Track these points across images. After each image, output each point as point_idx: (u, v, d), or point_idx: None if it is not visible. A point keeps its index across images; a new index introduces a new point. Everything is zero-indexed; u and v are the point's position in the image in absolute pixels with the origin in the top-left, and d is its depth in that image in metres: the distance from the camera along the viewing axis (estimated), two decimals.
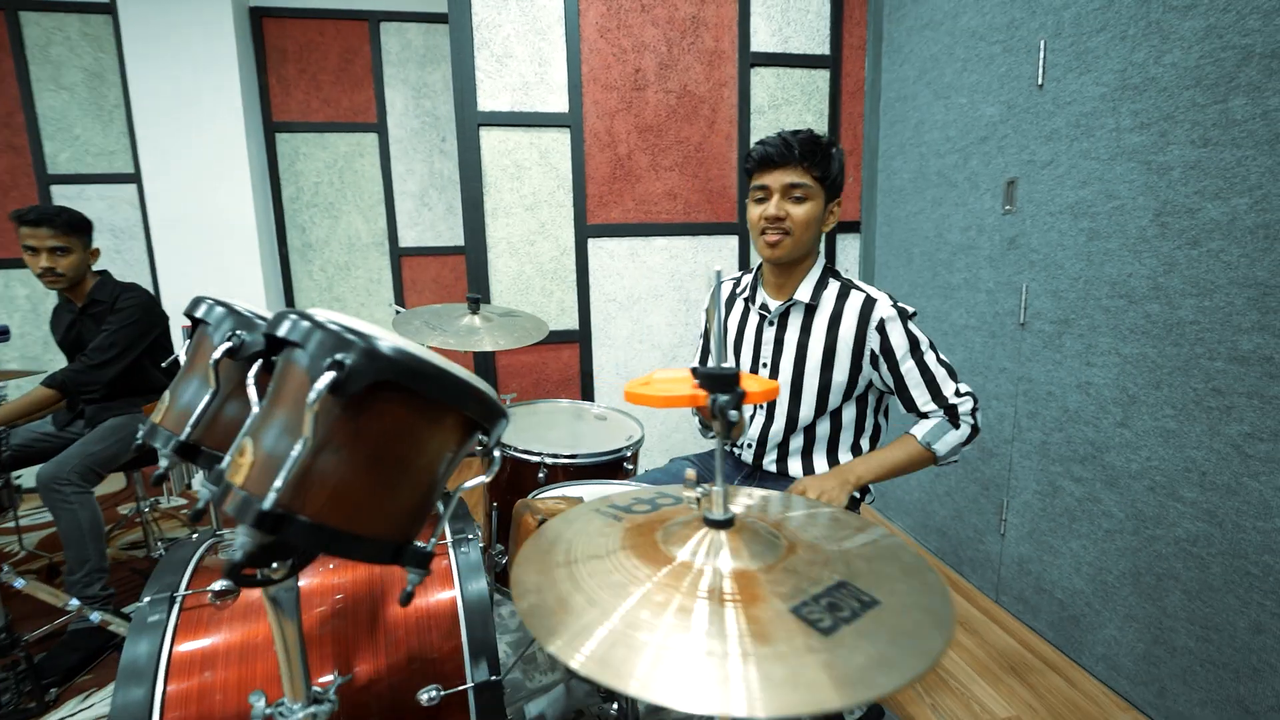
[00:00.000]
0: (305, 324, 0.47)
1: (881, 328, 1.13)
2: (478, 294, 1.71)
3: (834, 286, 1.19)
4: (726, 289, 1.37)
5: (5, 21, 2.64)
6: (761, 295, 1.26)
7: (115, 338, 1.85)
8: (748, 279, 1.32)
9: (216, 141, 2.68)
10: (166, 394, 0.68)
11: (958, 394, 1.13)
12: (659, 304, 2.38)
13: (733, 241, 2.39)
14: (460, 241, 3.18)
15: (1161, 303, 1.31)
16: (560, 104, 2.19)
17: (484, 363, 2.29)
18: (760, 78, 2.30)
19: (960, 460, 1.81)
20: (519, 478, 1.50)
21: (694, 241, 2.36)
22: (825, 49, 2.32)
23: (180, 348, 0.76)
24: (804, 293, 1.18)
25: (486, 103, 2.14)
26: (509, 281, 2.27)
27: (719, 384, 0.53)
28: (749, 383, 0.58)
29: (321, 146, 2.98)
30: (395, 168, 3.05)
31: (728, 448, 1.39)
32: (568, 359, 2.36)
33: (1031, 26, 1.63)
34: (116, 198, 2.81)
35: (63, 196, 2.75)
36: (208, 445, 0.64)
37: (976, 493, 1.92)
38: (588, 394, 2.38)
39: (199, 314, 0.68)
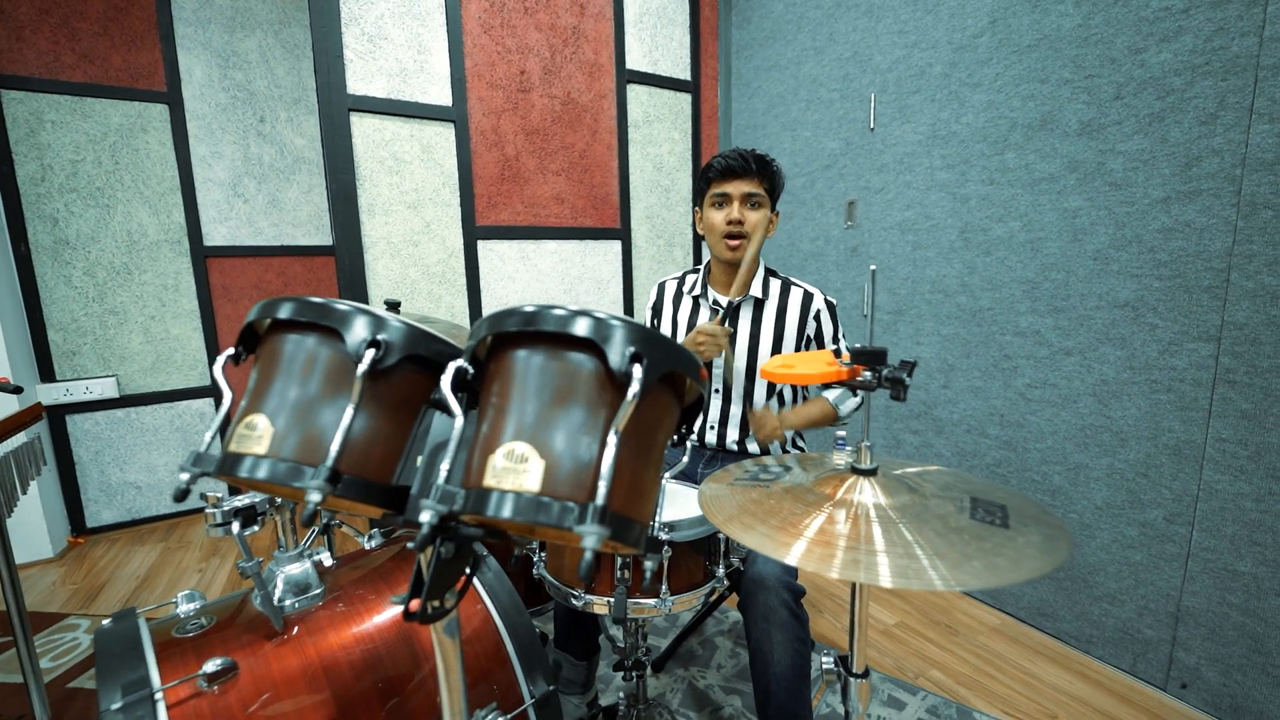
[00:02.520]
0: (597, 319, 0.48)
1: (818, 317, 1.38)
2: (398, 300, 1.55)
3: (776, 283, 1.40)
4: (672, 287, 1.50)
5: None
6: (712, 293, 1.42)
7: None
8: (694, 278, 1.47)
9: None
10: (255, 418, 0.56)
11: None
12: None
13: (616, 246, 2.51)
14: (290, 241, 2.73)
15: (967, 295, 1.81)
16: (443, 96, 2.07)
17: None
18: (635, 94, 2.47)
19: (821, 431, 2.19)
20: None
21: (582, 245, 2.43)
22: (687, 74, 2.59)
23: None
24: (755, 289, 1.37)
25: (358, 86, 1.93)
26: (391, 285, 2.07)
27: (875, 359, 0.65)
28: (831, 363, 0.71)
29: (81, 115, 2.30)
30: (196, 149, 2.50)
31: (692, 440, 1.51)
32: None
33: (863, 81, 2.07)
34: None
35: None
36: (348, 471, 0.56)
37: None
38: None
39: (289, 315, 0.58)
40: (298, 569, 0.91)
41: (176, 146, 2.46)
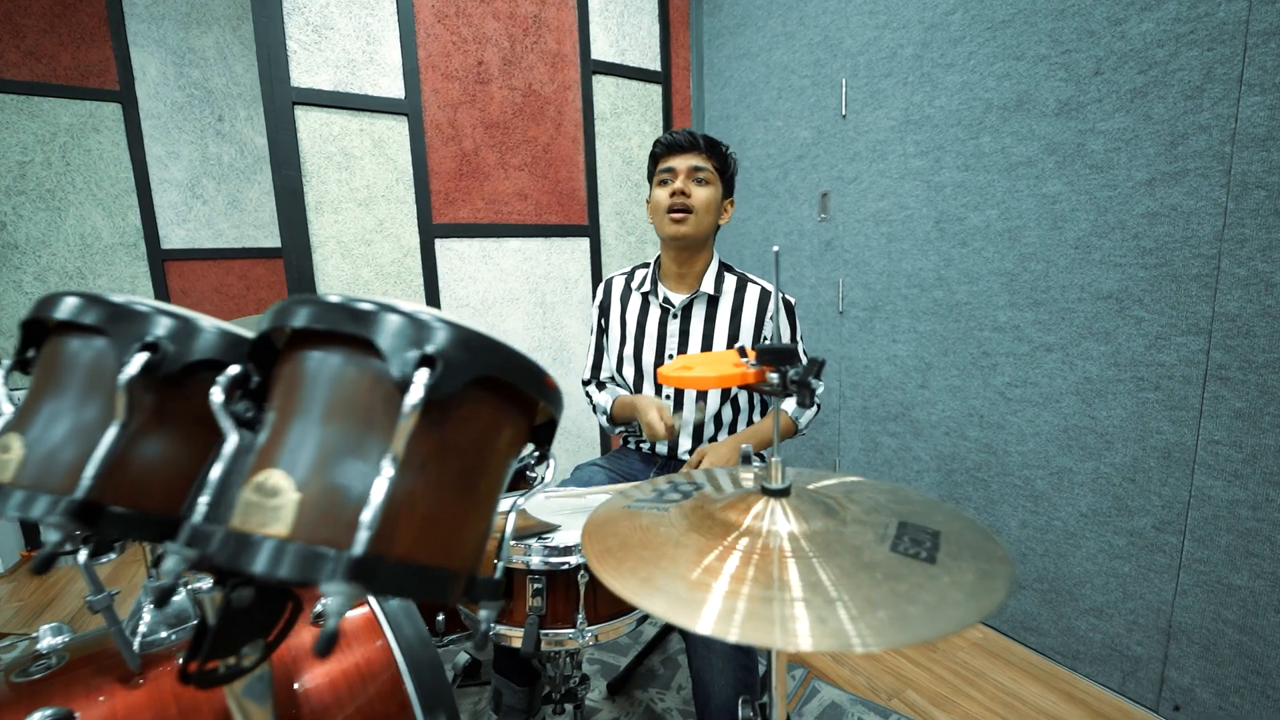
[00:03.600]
0: (365, 307, 0.38)
1: (776, 316, 1.28)
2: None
3: (731, 279, 1.30)
4: (619, 284, 1.40)
5: None
6: (662, 289, 1.32)
7: None
8: (643, 273, 1.37)
9: None
10: (10, 437, 0.47)
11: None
12: (515, 308, 2.29)
13: (584, 244, 2.42)
14: (252, 243, 2.65)
15: (944, 289, 1.70)
16: (395, 89, 1.98)
17: None
18: (602, 85, 2.37)
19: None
20: None
21: (547, 243, 2.34)
22: (657, 65, 2.49)
23: None
24: (707, 285, 1.27)
25: (302, 78, 1.84)
26: (342, 287, 1.98)
27: (782, 358, 0.55)
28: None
29: (28, 114, 2.22)
30: (152, 149, 2.42)
31: (634, 444, 1.41)
32: None
33: (834, 66, 1.97)
34: None
35: None
36: (115, 503, 0.46)
37: (813, 457, 2.24)
38: None
39: (62, 314, 0.49)
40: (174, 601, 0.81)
41: (131, 147, 2.39)
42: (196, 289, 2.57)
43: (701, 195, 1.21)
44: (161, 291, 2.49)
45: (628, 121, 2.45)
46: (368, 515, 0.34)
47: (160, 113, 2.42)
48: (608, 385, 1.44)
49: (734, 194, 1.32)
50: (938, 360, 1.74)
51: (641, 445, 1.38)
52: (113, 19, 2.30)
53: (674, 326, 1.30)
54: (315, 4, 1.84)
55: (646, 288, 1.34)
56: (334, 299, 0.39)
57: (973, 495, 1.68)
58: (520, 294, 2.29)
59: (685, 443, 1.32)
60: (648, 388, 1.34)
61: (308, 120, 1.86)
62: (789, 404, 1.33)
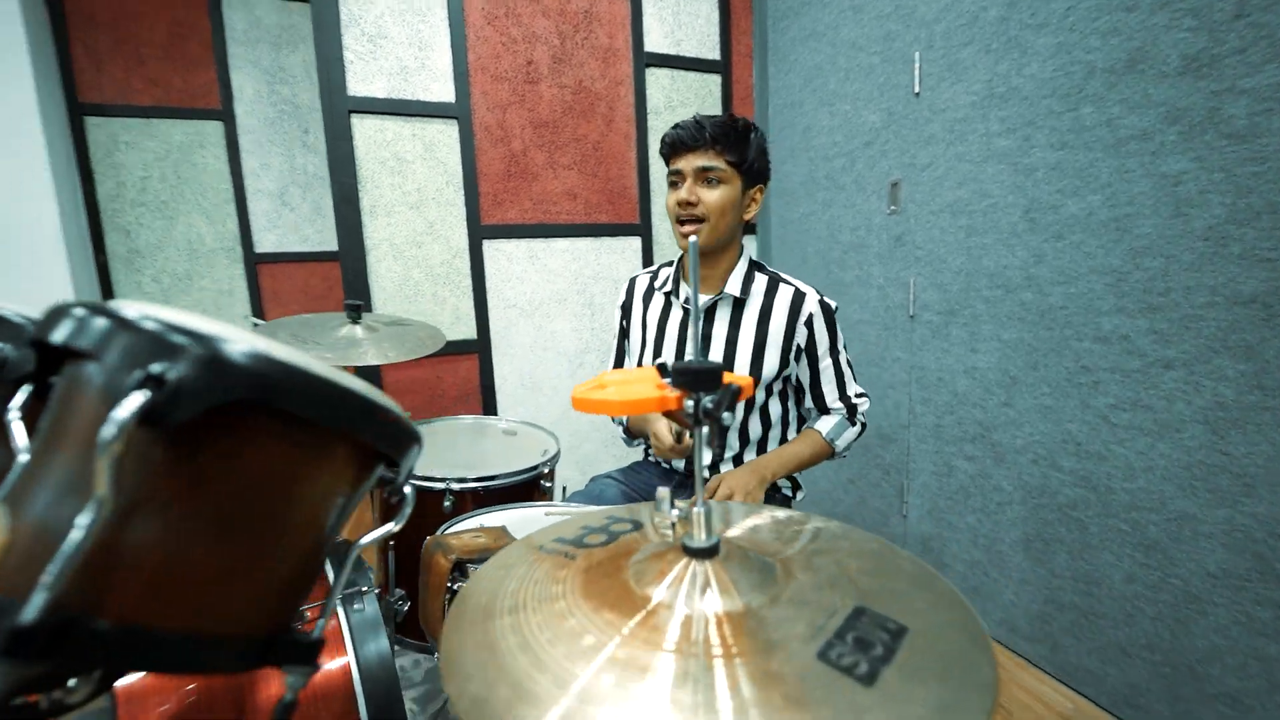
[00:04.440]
0: (101, 321, 0.31)
1: (810, 323, 1.12)
2: (358, 300, 1.49)
3: (761, 280, 1.16)
4: (643, 283, 1.31)
5: None
6: (685, 290, 1.20)
7: None
8: (667, 272, 1.26)
9: (2, 127, 2.15)
10: None
11: (858, 394, 1.18)
12: (563, 308, 2.26)
13: (636, 243, 2.34)
14: (332, 246, 2.83)
15: (1034, 291, 1.44)
16: (445, 93, 2.01)
17: (367, 379, 2.02)
18: (655, 78, 2.28)
19: (857, 450, 1.87)
20: (420, 510, 1.31)
21: (596, 243, 2.28)
22: (716, 54, 2.36)
23: None
24: (733, 286, 1.14)
25: (358, 87, 1.91)
26: (394, 288, 2.04)
27: (701, 381, 0.44)
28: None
29: (148, 135, 2.51)
30: (247, 162, 2.65)
31: (654, 459, 1.31)
32: (466, 371, 2.17)
33: (906, 39, 1.74)
34: None
35: None
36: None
37: (879, 477, 2.01)
38: (490, 408, 2.20)
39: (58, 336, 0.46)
40: None
41: (230, 160, 2.62)
42: (284, 289, 2.78)
43: (713, 199, 1.08)
44: (254, 291, 2.72)
45: (684, 115, 2.34)
46: (51, 571, 0.27)
47: (254, 128, 2.65)
48: None
49: (768, 179, 1.17)
50: (1025, 374, 1.48)
51: (660, 460, 1.28)
52: (216, 44, 2.54)
53: (695, 331, 1.17)
54: (370, 14, 1.90)
55: (669, 288, 1.24)
56: (78, 308, 0.32)
57: (1065, 538, 1.41)
58: (568, 295, 2.26)
59: (704, 457, 1.19)
60: None
61: (363, 127, 1.93)
62: (825, 423, 1.17)
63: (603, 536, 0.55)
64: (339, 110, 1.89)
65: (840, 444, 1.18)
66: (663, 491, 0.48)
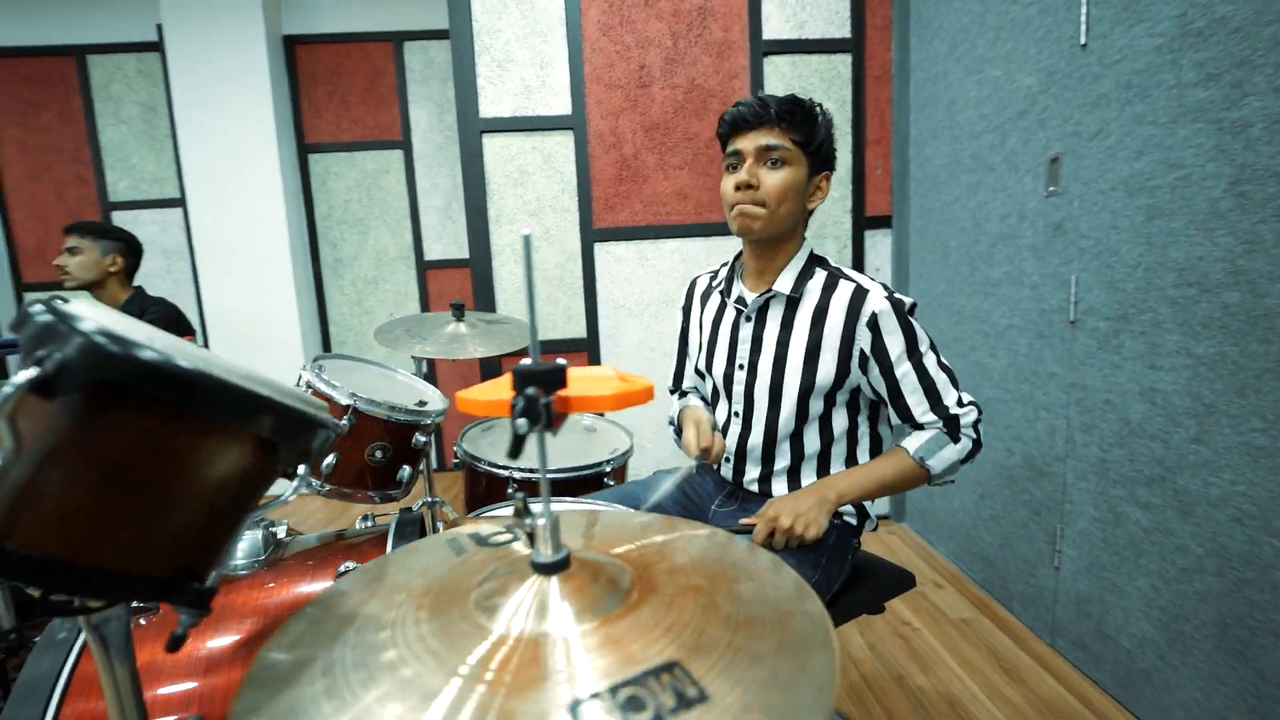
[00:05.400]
0: (28, 319, 0.40)
1: (874, 324, 0.97)
2: (462, 301, 1.65)
3: (820, 276, 1.03)
4: (703, 284, 1.25)
5: (75, 65, 2.89)
6: (738, 288, 1.12)
7: None
8: (726, 270, 1.19)
9: (253, 165, 2.80)
10: None
11: (960, 403, 0.97)
12: (670, 309, 2.25)
13: None
14: None
15: (1243, 290, 1.07)
16: (563, 106, 2.13)
17: (491, 372, 2.24)
18: (774, 67, 2.16)
19: (999, 482, 1.58)
20: (494, 494, 1.41)
21: (707, 243, 2.23)
22: (845, 31, 2.15)
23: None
24: (784, 283, 1.03)
25: (489, 109, 2.11)
26: (514, 290, 2.22)
27: (537, 381, 0.41)
28: (601, 384, 0.46)
29: (350, 165, 3.07)
30: (420, 183, 3.10)
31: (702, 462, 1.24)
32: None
33: None
34: (166, 221, 2.99)
35: (121, 221, 2.96)
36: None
37: (1026, 517, 1.66)
38: None
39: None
40: (246, 537, 1.01)
41: (408, 182, 3.09)
42: (446, 291, 3.19)
43: (774, 181, 0.98)
44: (423, 292, 3.17)
45: None
46: None
47: (426, 153, 3.08)
48: (690, 394, 1.30)
49: (833, 167, 1.04)
50: (1227, 402, 1.11)
51: (717, 465, 1.21)
52: (399, 85, 3.01)
53: (746, 331, 1.09)
54: (500, 41, 2.09)
55: (723, 286, 1.16)
56: (34, 307, 0.41)
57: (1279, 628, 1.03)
58: (676, 295, 2.24)
59: (752, 470, 1.10)
60: (721, 403, 1.16)
61: (492, 145, 2.14)
62: (915, 439, 0.99)
63: (509, 536, 0.53)
64: (472, 131, 2.11)
65: (936, 465, 0.97)
66: (518, 501, 0.46)
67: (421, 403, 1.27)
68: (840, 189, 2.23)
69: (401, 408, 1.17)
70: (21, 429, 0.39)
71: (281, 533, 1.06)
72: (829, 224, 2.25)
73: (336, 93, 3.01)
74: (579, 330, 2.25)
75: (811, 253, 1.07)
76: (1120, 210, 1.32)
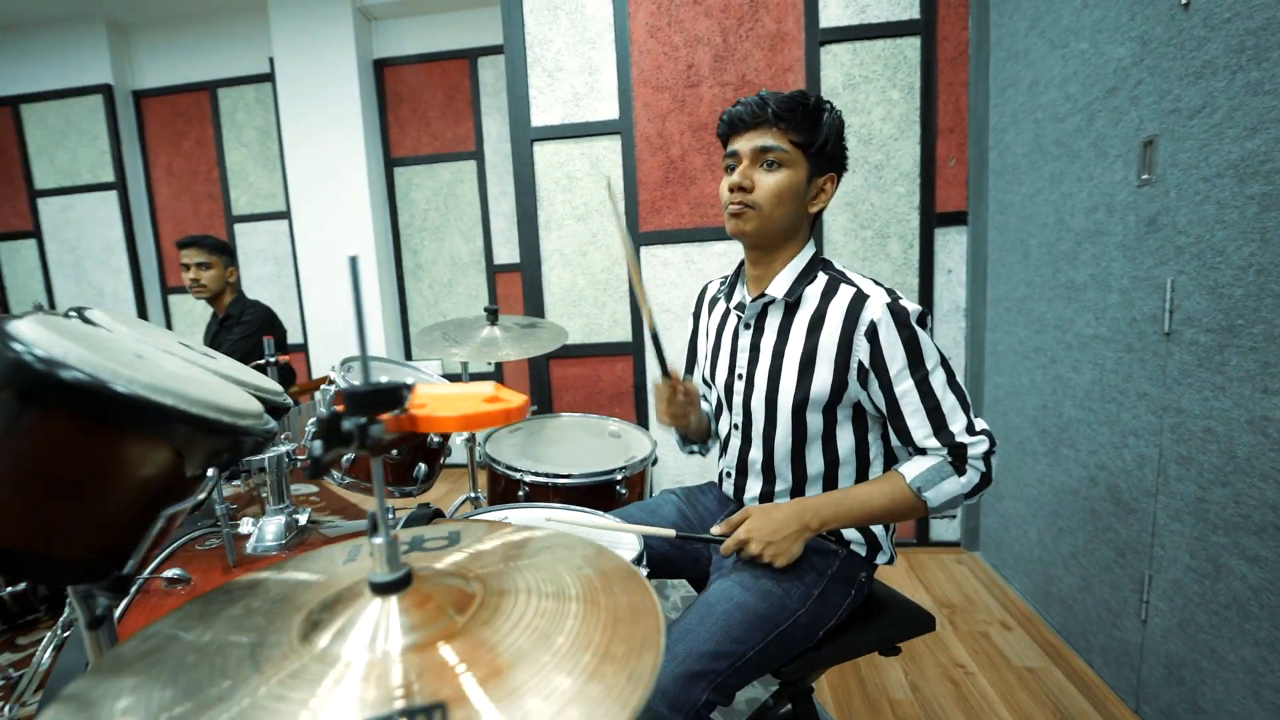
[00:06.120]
0: None
1: (873, 334, 0.87)
2: (494, 306, 1.71)
3: (821, 280, 0.95)
4: (712, 289, 1.19)
5: (209, 98, 3.33)
6: (740, 293, 1.06)
7: (236, 344, 2.19)
8: (732, 274, 1.13)
9: (346, 179, 3.09)
10: None
11: (970, 430, 0.85)
12: None
13: None
14: None
15: None
16: (610, 111, 2.14)
17: (538, 374, 2.30)
18: (832, 56, 2.03)
19: (1082, 514, 1.40)
20: (509, 495, 1.44)
21: None
22: (914, 12, 1.97)
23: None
24: (779, 287, 0.97)
25: (539, 118, 2.17)
26: (561, 293, 2.26)
27: (366, 403, 0.40)
28: (459, 404, 0.44)
29: (430, 176, 3.28)
30: (491, 191, 3.25)
31: (719, 482, 1.19)
32: (621, 372, 2.28)
33: None
34: (276, 232, 3.37)
35: (241, 232, 3.39)
36: None
37: (1109, 558, 1.44)
38: (641, 408, 2.27)
39: None
40: (273, 522, 1.11)
41: (480, 190, 3.25)
42: (512, 294, 3.33)
43: (768, 184, 0.91)
44: (492, 295, 3.32)
45: (867, 92, 2.03)
46: None
47: (496, 163, 3.22)
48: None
49: (841, 167, 0.96)
50: None
51: (720, 485, 1.15)
52: (472, 99, 3.18)
53: (745, 339, 1.03)
54: (550, 52, 2.14)
55: (727, 290, 1.11)
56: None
57: None
58: None
59: (754, 486, 1.04)
60: (724, 414, 1.10)
61: (542, 153, 2.19)
62: (914, 465, 0.89)
63: (445, 541, 0.54)
64: (523, 140, 2.18)
65: (934, 498, 0.87)
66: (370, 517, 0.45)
67: None
68: (906, 183, 2.06)
69: None
70: None
71: (303, 520, 1.16)
72: (892, 222, 2.08)
73: (419, 109, 3.23)
74: (624, 334, 2.25)
75: (815, 256, 0.99)
76: (1227, 201, 1.09)
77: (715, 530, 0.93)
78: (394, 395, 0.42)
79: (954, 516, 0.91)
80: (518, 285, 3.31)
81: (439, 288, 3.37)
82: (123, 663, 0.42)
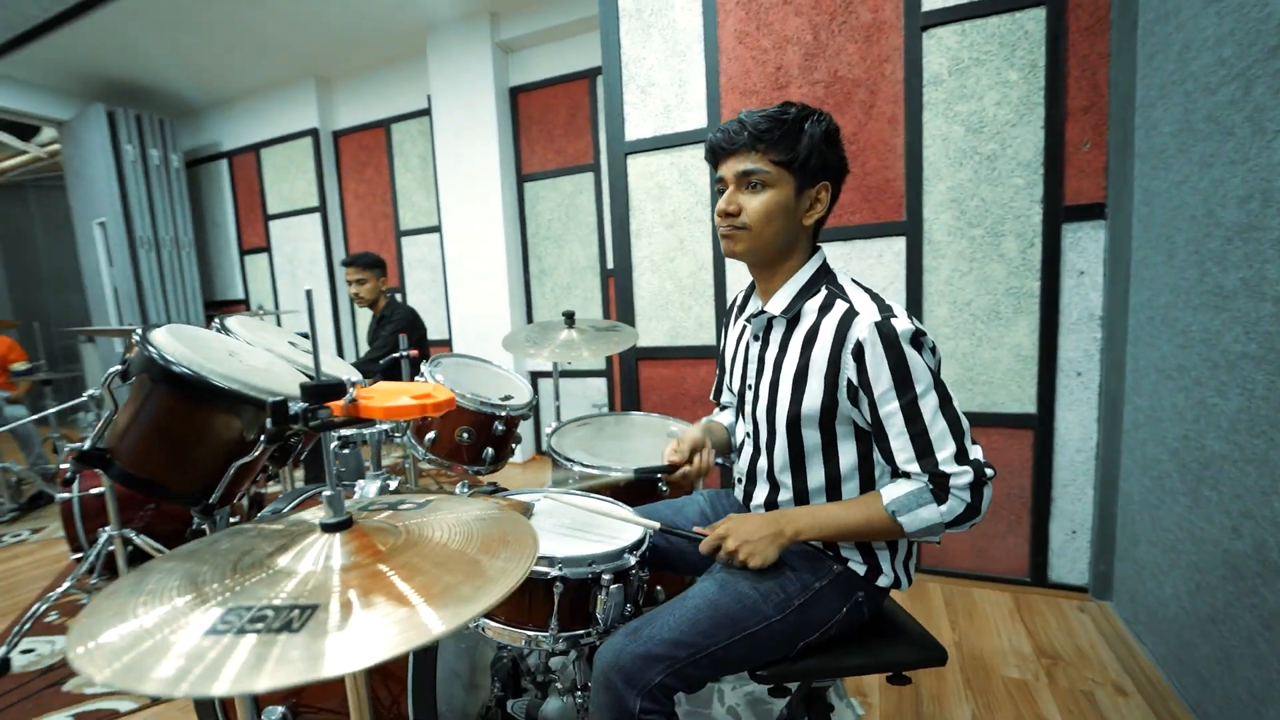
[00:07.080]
0: (135, 340, 0.70)
1: (859, 353, 0.85)
2: (572, 310, 1.87)
3: (819, 295, 0.95)
4: (741, 298, 1.21)
5: (384, 133, 4.00)
6: (753, 304, 1.08)
7: (385, 340, 2.65)
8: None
9: (484, 196, 3.52)
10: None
11: (959, 458, 0.78)
12: None
13: (898, 244, 1.99)
14: None
15: None
16: (699, 120, 2.19)
17: (628, 375, 2.43)
18: (936, 41, 1.86)
19: (1216, 575, 1.19)
20: (563, 483, 1.58)
21: (848, 247, 2.05)
22: None
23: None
24: (778, 304, 0.97)
25: (633, 132, 2.29)
26: (650, 298, 2.37)
27: (318, 396, 0.55)
28: (394, 396, 0.58)
29: (553, 189, 3.59)
30: (605, 200, 3.46)
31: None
32: (705, 375, 2.32)
33: None
34: (431, 244, 3.94)
35: (407, 245, 4.02)
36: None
37: (1254, 628, 1.17)
38: None
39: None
40: (373, 485, 1.37)
41: (595, 200, 3.49)
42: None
43: (755, 206, 0.93)
44: (605, 298, 3.54)
45: (978, 76, 1.84)
46: (96, 430, 0.67)
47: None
48: (728, 409, 1.28)
49: (838, 172, 0.94)
50: None
51: (737, 489, 1.17)
52: (591, 114, 3.41)
53: (754, 350, 1.05)
54: (643, 68, 2.25)
55: (742, 302, 1.13)
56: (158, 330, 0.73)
57: None
58: None
59: (760, 493, 1.05)
60: (742, 422, 1.13)
61: (635, 164, 2.31)
62: (894, 489, 0.86)
63: (413, 505, 0.69)
64: (618, 154, 2.33)
65: (909, 523, 0.83)
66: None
67: (506, 397, 1.51)
68: (1025, 174, 1.82)
69: (480, 399, 1.43)
70: (118, 397, 0.71)
71: (393, 485, 1.41)
72: (1008, 218, 1.86)
73: (546, 128, 3.56)
74: (709, 338, 2.30)
75: (820, 268, 0.98)
76: None
77: (698, 531, 0.97)
78: (338, 389, 0.56)
79: (938, 542, 0.85)
80: None
81: (559, 290, 3.68)
82: (180, 554, 0.62)
